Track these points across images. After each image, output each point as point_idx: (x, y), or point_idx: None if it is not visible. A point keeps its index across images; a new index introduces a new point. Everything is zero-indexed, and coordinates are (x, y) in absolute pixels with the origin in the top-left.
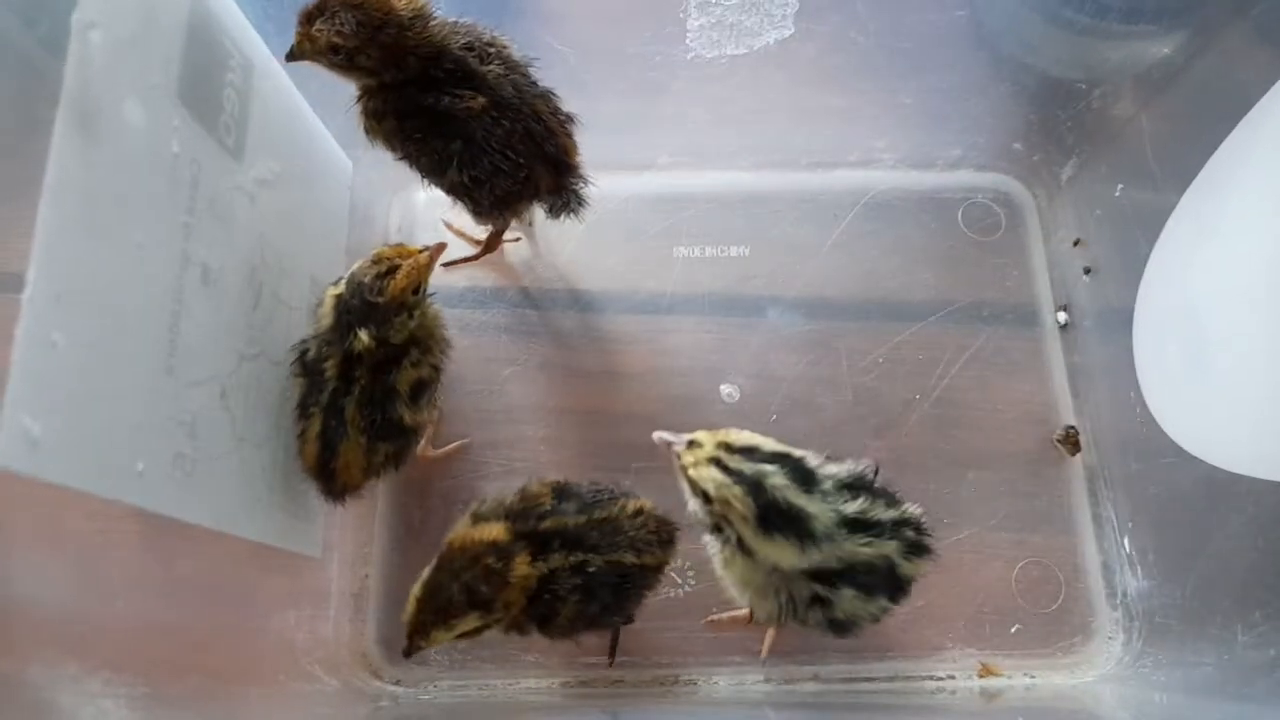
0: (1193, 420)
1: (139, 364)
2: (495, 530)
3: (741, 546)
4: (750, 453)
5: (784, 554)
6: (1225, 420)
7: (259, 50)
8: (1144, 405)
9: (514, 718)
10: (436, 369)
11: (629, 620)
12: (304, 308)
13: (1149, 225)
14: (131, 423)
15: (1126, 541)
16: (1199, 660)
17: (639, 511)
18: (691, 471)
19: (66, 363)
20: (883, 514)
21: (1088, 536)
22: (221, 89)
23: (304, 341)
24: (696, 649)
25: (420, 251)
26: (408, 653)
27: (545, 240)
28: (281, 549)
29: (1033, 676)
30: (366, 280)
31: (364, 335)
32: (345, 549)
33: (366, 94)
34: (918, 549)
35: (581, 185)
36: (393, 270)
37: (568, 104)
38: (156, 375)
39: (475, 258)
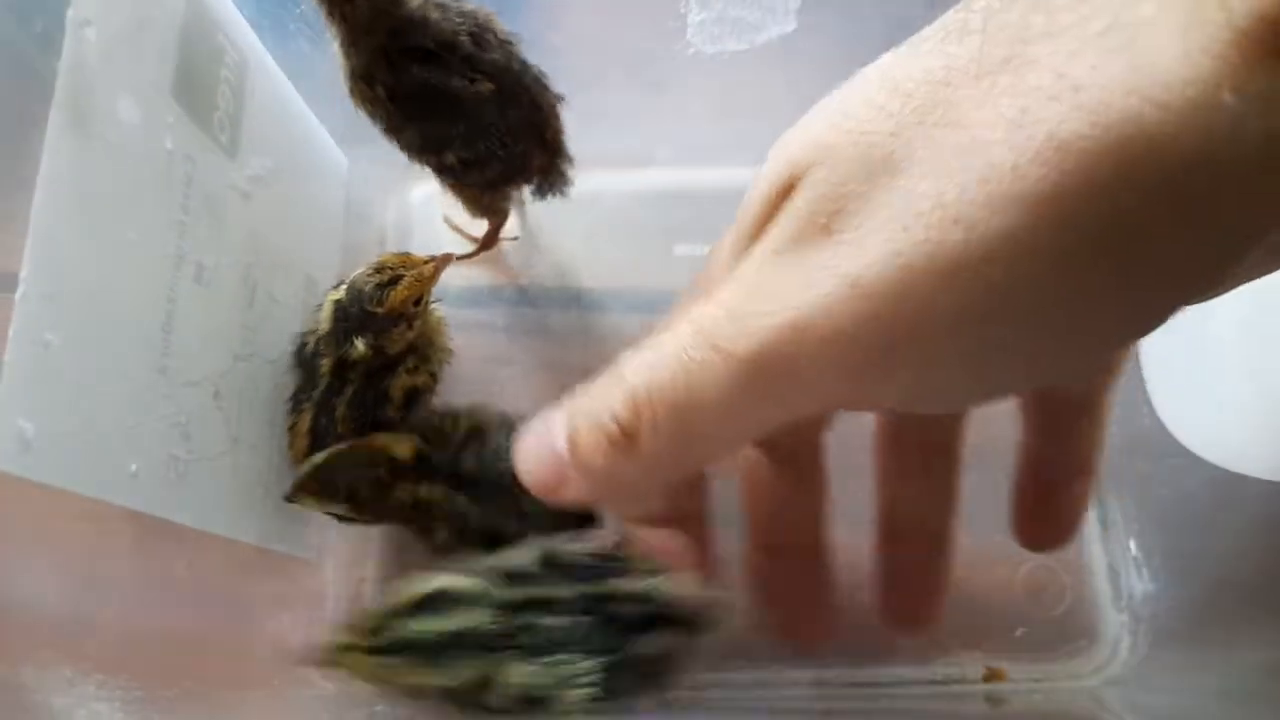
0: (1200, 421)
1: (132, 364)
2: (404, 447)
3: None
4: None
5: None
6: (1233, 421)
7: (254, 47)
8: (1151, 406)
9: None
10: (434, 376)
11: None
12: (299, 307)
13: None
14: (125, 424)
15: (1133, 544)
16: (1206, 663)
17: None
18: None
19: (60, 363)
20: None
21: (1094, 538)
22: (216, 86)
23: (302, 335)
24: (697, 654)
25: (425, 263)
26: (288, 498)
27: (543, 238)
28: (277, 551)
29: (1038, 680)
30: (367, 290)
31: (360, 344)
32: (341, 552)
33: (346, 50)
34: None
35: (569, 165)
36: (395, 280)
37: (565, 99)
38: (150, 375)
39: (473, 255)
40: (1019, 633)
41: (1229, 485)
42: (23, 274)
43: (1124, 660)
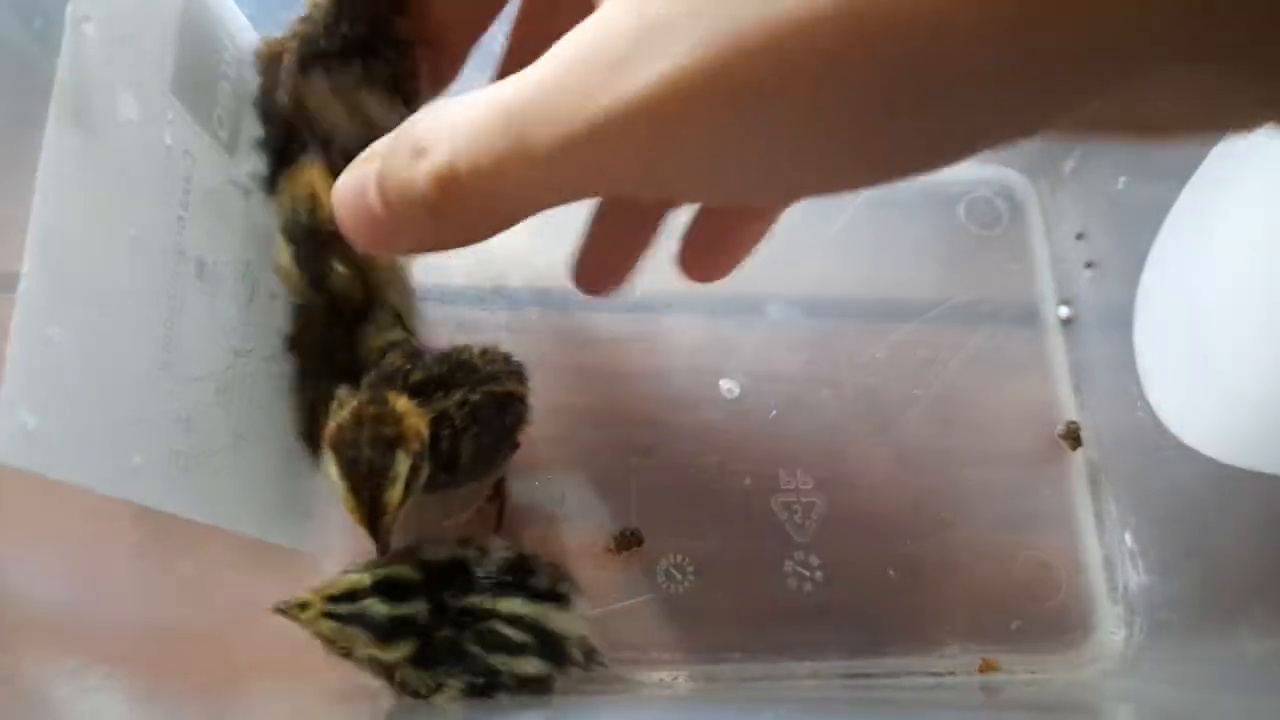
0: (1194, 414)
1: (135, 359)
2: (358, 398)
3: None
4: (351, 597)
5: (407, 650)
6: (1227, 414)
7: (253, 43)
8: (1145, 399)
9: (514, 717)
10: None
11: (516, 446)
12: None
13: (1152, 219)
14: (128, 418)
15: (1128, 536)
16: (1201, 655)
17: (485, 351)
18: (312, 628)
19: (63, 358)
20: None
21: (1089, 532)
22: (215, 82)
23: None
24: (695, 647)
25: None
26: (384, 549)
27: (543, 238)
28: (280, 545)
29: (1034, 672)
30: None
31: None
32: (344, 546)
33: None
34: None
35: None
36: None
37: None
38: (152, 370)
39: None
40: (1015, 625)
41: (1224, 478)
42: (24, 269)
43: (1119, 652)
